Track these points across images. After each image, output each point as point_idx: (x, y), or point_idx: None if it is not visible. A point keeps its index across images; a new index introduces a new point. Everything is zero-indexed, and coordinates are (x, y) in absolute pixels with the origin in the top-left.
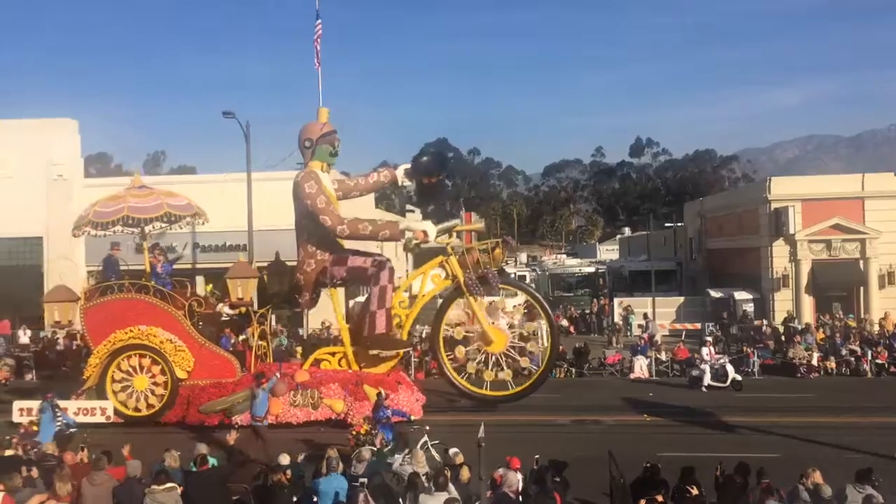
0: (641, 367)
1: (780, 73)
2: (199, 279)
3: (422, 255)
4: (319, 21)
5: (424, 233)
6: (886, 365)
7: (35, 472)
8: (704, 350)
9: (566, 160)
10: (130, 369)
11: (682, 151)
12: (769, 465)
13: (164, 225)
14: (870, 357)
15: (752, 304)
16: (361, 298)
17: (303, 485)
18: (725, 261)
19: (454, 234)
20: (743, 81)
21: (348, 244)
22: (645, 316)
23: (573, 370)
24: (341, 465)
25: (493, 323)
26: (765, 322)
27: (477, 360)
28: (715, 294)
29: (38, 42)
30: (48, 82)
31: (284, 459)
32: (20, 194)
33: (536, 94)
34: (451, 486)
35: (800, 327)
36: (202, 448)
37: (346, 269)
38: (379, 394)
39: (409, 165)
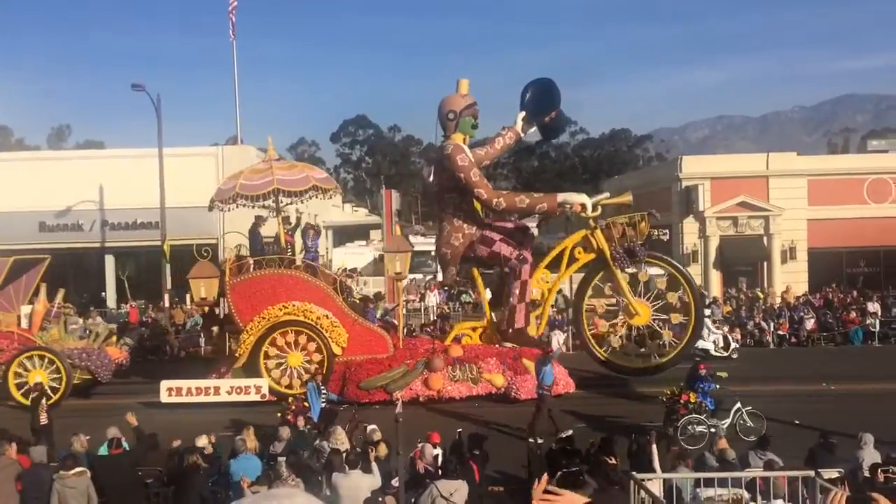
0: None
1: (694, 53)
2: (109, 258)
3: None
4: None
5: (582, 206)
6: (787, 336)
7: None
8: (708, 322)
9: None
10: (284, 345)
11: (598, 130)
12: None
13: (291, 200)
14: (772, 329)
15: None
16: None
17: (219, 466)
18: None
19: (599, 208)
20: (658, 61)
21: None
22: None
23: None
24: (254, 443)
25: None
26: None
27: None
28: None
29: None
30: None
31: (201, 441)
32: None
33: (457, 72)
34: (373, 465)
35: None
36: (114, 431)
37: (489, 252)
38: (697, 362)
39: (523, 113)
